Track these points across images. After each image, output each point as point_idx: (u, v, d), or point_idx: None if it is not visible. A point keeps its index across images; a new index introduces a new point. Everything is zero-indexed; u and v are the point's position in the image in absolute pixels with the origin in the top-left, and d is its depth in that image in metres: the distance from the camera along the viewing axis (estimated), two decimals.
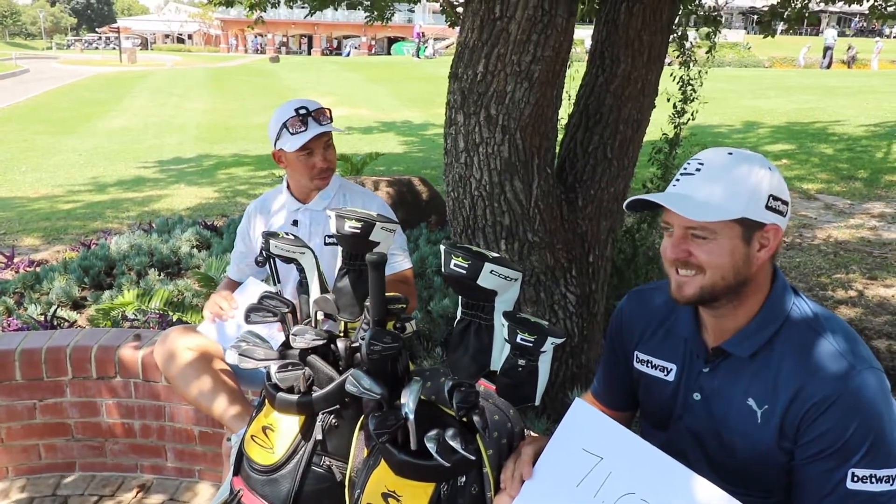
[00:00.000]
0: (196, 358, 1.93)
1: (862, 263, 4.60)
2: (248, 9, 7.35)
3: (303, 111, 2.00)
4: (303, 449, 1.41)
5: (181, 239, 4.72)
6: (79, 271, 4.09)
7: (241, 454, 1.49)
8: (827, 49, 26.27)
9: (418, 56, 35.15)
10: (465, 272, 1.16)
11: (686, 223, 1.13)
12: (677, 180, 1.17)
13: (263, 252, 1.58)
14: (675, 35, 3.91)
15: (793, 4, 4.93)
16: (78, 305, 3.84)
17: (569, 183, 2.75)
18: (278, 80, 23.98)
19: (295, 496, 1.38)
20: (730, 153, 1.16)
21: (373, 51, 46.30)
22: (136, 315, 3.39)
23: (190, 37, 59.03)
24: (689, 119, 3.64)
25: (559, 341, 1.15)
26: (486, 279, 1.17)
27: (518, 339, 1.13)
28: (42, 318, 3.55)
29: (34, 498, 2.43)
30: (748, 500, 1.17)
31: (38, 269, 4.32)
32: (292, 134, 1.99)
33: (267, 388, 1.46)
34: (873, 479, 1.06)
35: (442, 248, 1.21)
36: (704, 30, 4.27)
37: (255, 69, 29.88)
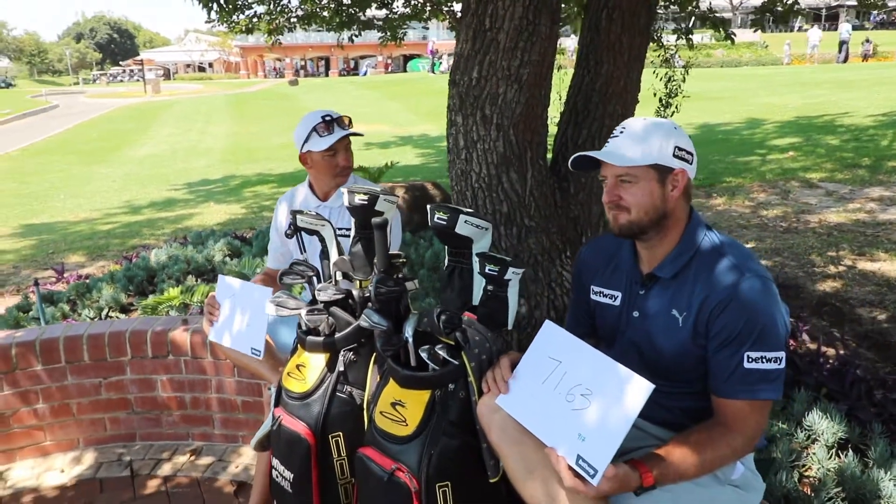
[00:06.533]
0: None
1: (853, 242, 4.84)
2: (266, 34, 7.82)
3: (328, 118, 2.37)
4: (329, 379, 1.76)
5: (214, 249, 5.16)
6: (124, 280, 4.54)
7: (279, 390, 1.85)
8: (842, 43, 26.19)
9: (433, 71, 35.82)
10: (445, 223, 1.51)
11: (616, 172, 1.49)
12: (607, 143, 1.51)
13: (291, 226, 1.94)
14: (663, 37, 4.25)
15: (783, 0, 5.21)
16: (125, 310, 4.26)
17: (562, 173, 3.06)
18: (297, 102, 24.66)
19: (324, 416, 1.73)
20: (644, 119, 1.52)
21: (389, 69, 47.15)
22: (179, 312, 3.79)
23: (210, 65, 60.56)
24: (673, 112, 3.96)
25: (520, 271, 1.48)
26: (462, 227, 1.51)
27: (486, 270, 1.47)
28: (95, 320, 3.98)
29: (102, 463, 2.80)
30: (675, 392, 1.51)
31: (87, 281, 4.77)
32: (321, 137, 2.35)
33: (299, 334, 1.82)
34: (763, 360, 1.40)
35: (428, 207, 1.56)
36: (706, 31, 4.58)
37: (274, 93, 30.71)
